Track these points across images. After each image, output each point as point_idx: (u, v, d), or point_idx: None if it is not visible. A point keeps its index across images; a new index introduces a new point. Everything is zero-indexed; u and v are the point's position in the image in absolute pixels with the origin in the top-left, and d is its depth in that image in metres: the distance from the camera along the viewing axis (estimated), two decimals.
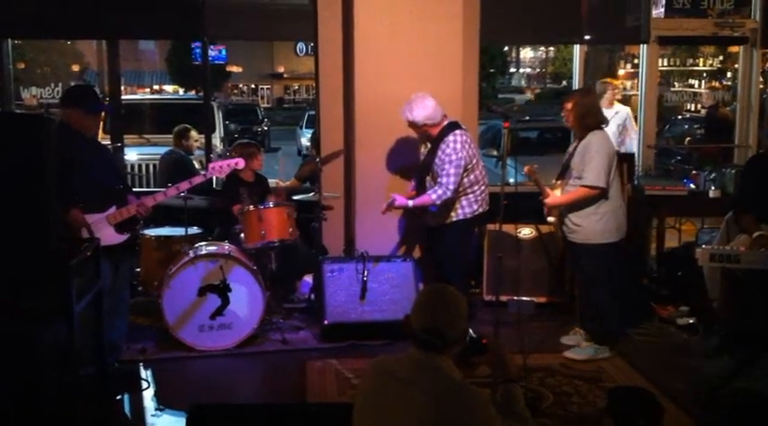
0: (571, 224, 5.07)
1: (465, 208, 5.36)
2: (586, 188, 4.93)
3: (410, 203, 5.33)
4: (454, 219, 5.38)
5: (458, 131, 5.28)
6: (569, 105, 5.05)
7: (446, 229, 5.41)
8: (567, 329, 5.53)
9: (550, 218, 5.29)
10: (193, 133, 7.89)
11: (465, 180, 5.29)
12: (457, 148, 5.20)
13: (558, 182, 5.19)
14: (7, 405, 3.30)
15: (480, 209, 5.42)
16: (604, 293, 5.07)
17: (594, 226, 4.99)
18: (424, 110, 5.27)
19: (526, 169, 5.29)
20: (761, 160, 5.53)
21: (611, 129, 6.48)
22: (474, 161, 5.33)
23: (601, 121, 5.07)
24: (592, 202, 4.96)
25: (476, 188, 5.36)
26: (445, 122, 5.34)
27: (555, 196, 5.15)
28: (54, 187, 3.54)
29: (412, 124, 5.33)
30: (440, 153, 5.26)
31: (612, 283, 5.12)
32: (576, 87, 7.50)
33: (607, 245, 5.03)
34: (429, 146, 5.44)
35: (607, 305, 5.10)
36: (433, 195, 5.24)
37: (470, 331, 2.61)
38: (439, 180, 5.25)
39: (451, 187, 5.20)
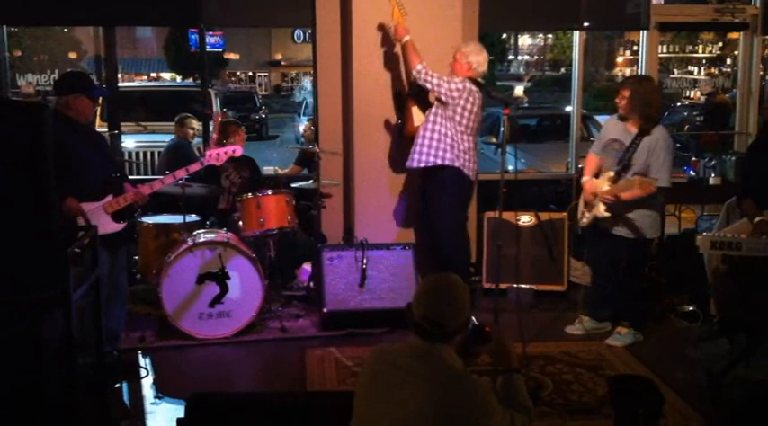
0: (624, 218, 5.04)
1: (454, 161, 5.49)
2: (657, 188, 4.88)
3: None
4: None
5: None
6: (626, 92, 5.01)
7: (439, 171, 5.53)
8: (567, 317, 5.54)
9: (606, 213, 5.01)
10: (190, 121, 7.83)
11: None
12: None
13: (611, 174, 4.99)
14: (9, 398, 3.28)
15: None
16: (639, 281, 5.25)
17: (647, 222, 5.07)
18: (478, 55, 5.46)
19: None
20: (760, 145, 5.50)
21: None
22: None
23: (661, 114, 5.07)
24: (650, 199, 4.96)
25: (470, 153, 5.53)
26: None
27: (615, 191, 4.90)
28: (53, 176, 3.50)
29: (458, 60, 5.48)
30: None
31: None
32: (576, 75, 7.35)
33: (651, 240, 5.20)
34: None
35: (640, 291, 5.29)
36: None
37: (474, 319, 2.59)
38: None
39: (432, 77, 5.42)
